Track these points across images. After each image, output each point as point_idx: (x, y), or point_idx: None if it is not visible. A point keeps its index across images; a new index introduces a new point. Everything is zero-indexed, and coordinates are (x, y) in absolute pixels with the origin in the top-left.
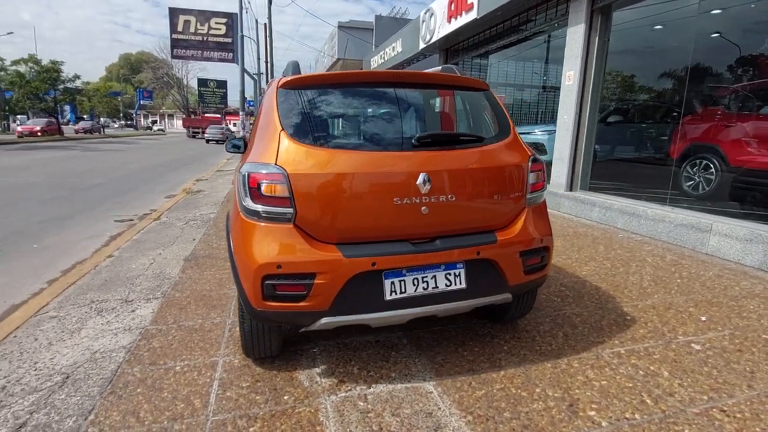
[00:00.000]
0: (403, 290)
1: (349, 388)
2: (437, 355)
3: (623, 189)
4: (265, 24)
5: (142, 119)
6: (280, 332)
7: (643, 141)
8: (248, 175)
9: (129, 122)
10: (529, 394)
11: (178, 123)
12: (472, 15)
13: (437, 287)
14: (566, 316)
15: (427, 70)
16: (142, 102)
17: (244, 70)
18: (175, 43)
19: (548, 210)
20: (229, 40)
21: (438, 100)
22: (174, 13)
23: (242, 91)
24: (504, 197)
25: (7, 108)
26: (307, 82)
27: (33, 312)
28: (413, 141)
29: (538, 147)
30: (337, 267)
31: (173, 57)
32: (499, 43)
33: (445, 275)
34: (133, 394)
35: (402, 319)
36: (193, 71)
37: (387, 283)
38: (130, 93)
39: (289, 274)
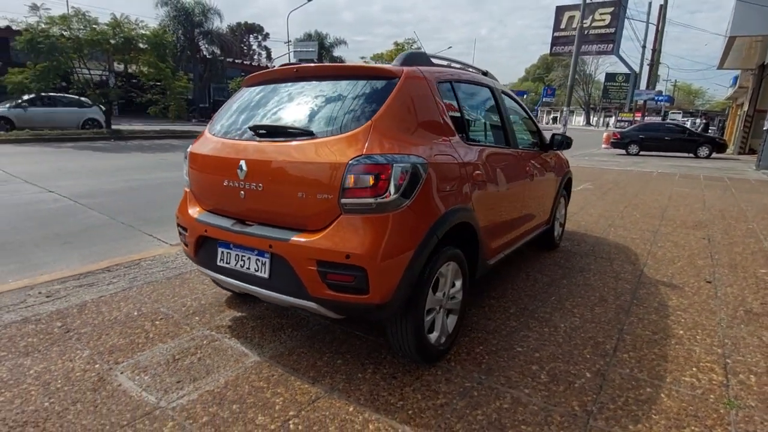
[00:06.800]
0: (228, 261)
1: (221, 332)
2: (305, 348)
3: None
4: (660, 5)
5: (544, 115)
6: None
7: None
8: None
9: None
10: (284, 417)
11: (578, 119)
12: None
13: (249, 269)
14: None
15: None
16: (545, 99)
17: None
18: (555, 41)
19: None
20: (612, 30)
21: (334, 91)
22: (560, 10)
23: (570, 86)
24: (309, 197)
25: None
26: (251, 79)
27: None
28: (251, 132)
29: None
30: (192, 227)
31: (551, 54)
32: None
33: (256, 260)
34: (167, 284)
35: (233, 288)
36: (603, 66)
37: (219, 251)
38: (537, 91)
39: (179, 225)
